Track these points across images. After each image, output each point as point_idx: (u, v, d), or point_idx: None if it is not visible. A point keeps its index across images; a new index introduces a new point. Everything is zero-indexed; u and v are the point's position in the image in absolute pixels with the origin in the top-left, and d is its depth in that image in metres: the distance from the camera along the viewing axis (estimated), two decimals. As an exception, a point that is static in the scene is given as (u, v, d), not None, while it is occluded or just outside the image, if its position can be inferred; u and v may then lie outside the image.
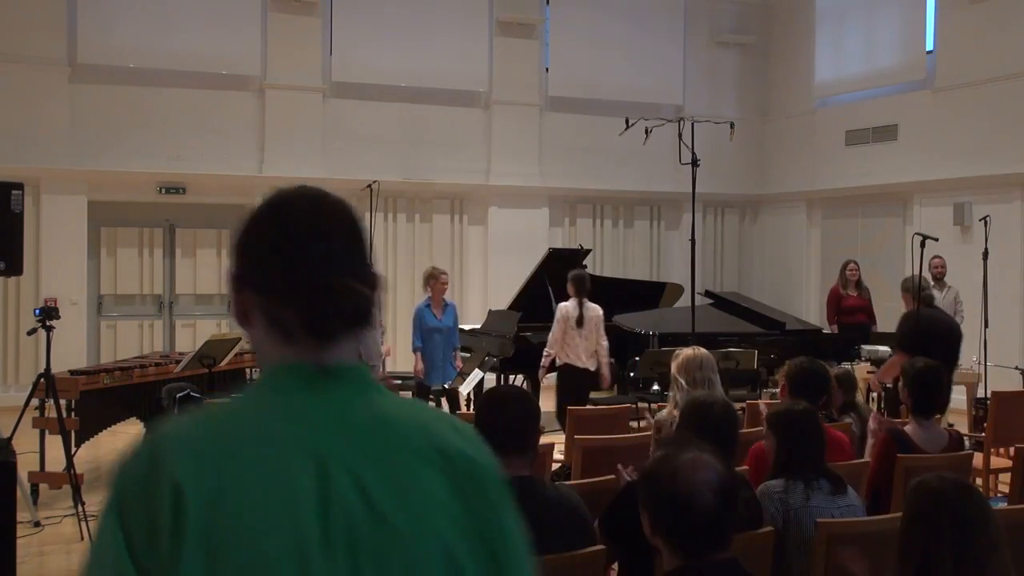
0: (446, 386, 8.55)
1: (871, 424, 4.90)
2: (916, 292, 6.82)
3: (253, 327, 1.32)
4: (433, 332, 8.51)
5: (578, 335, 8.27)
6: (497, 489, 1.31)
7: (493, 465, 1.33)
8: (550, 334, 8.44)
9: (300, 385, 1.26)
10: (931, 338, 6.18)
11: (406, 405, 1.34)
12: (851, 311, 10.47)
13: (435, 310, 8.55)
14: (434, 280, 8.56)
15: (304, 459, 1.20)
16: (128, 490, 1.20)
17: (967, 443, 7.46)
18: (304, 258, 1.28)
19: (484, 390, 8.75)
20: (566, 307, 8.32)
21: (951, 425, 6.37)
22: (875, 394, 8.07)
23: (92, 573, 1.19)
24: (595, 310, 8.34)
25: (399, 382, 8.93)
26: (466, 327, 9.88)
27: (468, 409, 8.41)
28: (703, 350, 4.76)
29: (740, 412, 6.24)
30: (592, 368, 8.30)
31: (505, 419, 2.77)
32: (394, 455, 1.24)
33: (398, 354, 12.25)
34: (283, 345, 1.28)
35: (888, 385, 6.88)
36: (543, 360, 8.47)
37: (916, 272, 7.31)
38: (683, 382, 4.59)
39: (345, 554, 1.18)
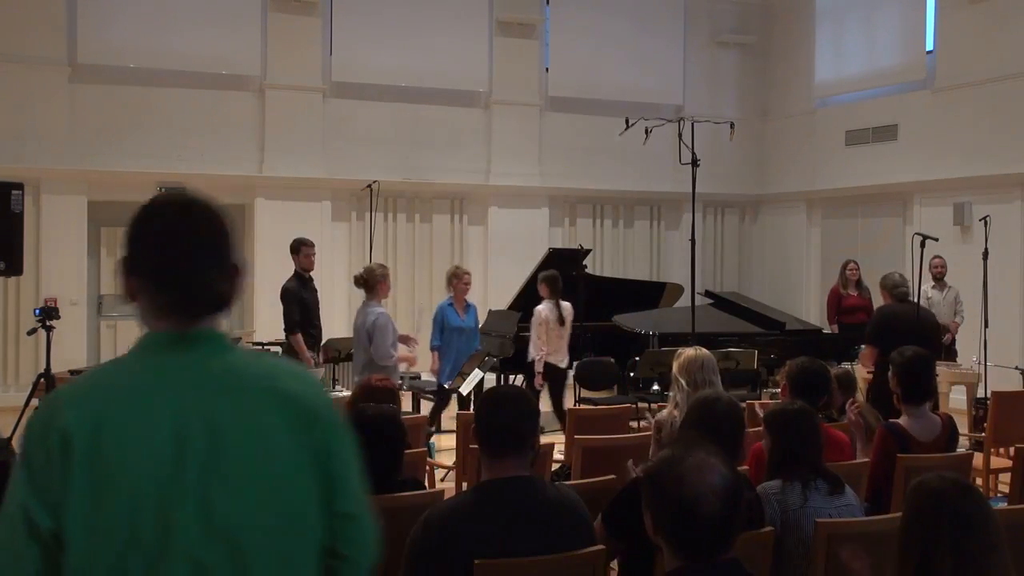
0: (446, 386, 8.54)
1: (849, 415, 4.90)
2: (891, 288, 7.05)
3: (138, 304, 1.67)
4: (455, 332, 8.49)
5: (560, 335, 8.34)
6: (327, 421, 1.69)
7: (325, 403, 1.71)
8: (531, 342, 8.48)
9: (165, 348, 1.63)
10: (892, 331, 6.40)
11: (255, 359, 1.72)
12: (851, 311, 10.47)
13: (458, 309, 8.56)
14: (457, 280, 8.55)
15: (165, 403, 1.57)
16: (31, 439, 1.55)
17: (967, 443, 7.49)
18: (172, 254, 1.66)
19: (484, 390, 8.81)
20: (543, 310, 8.39)
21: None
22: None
23: (6, 508, 1.52)
24: (569, 308, 8.59)
25: (400, 382, 8.92)
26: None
27: (470, 409, 8.41)
28: (705, 351, 4.75)
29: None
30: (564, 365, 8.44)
31: (504, 419, 2.76)
32: (240, 397, 1.60)
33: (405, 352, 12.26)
34: (158, 320, 1.66)
35: (868, 372, 6.98)
36: (538, 366, 8.48)
37: (916, 272, 7.33)
38: (683, 382, 4.58)
39: (195, 478, 1.54)
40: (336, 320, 10.93)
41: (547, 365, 8.47)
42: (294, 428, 1.63)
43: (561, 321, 8.48)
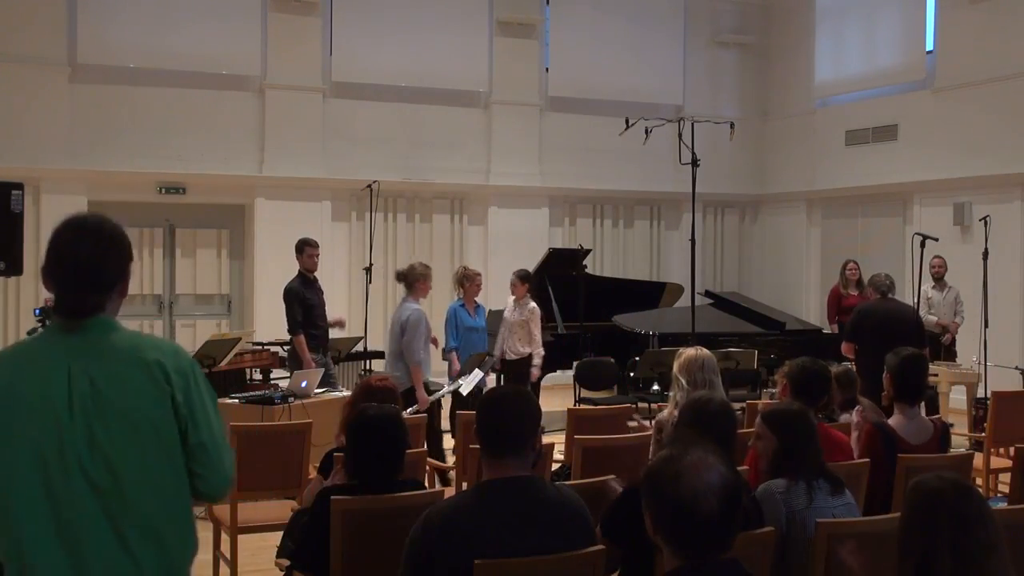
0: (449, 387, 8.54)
1: (854, 417, 4.90)
2: (876, 285, 7.26)
3: (50, 302, 2.36)
4: (470, 332, 8.44)
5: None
6: (179, 376, 2.29)
7: (177, 365, 2.30)
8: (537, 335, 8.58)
9: (61, 331, 2.30)
10: (865, 328, 6.73)
11: (128, 337, 2.36)
12: (851, 310, 10.46)
13: (469, 310, 8.56)
14: (469, 282, 8.52)
15: (58, 367, 2.22)
16: None
17: (967, 443, 7.49)
18: (61, 270, 2.30)
19: (484, 391, 8.81)
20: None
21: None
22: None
23: None
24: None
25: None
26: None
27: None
28: (705, 351, 4.75)
29: (740, 412, 6.26)
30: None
31: (504, 419, 2.76)
32: (114, 363, 2.26)
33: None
34: (57, 314, 2.32)
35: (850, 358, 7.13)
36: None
37: (916, 272, 7.34)
38: (684, 382, 4.58)
39: (81, 417, 2.20)
40: (336, 320, 10.91)
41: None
42: (154, 383, 2.26)
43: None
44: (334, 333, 8.74)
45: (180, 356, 2.36)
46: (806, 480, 3.39)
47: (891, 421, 4.54)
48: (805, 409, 3.69)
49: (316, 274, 8.29)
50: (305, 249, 8.14)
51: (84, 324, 2.29)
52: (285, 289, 8.11)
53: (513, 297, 8.81)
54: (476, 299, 8.64)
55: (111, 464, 2.21)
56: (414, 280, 7.36)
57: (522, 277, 8.81)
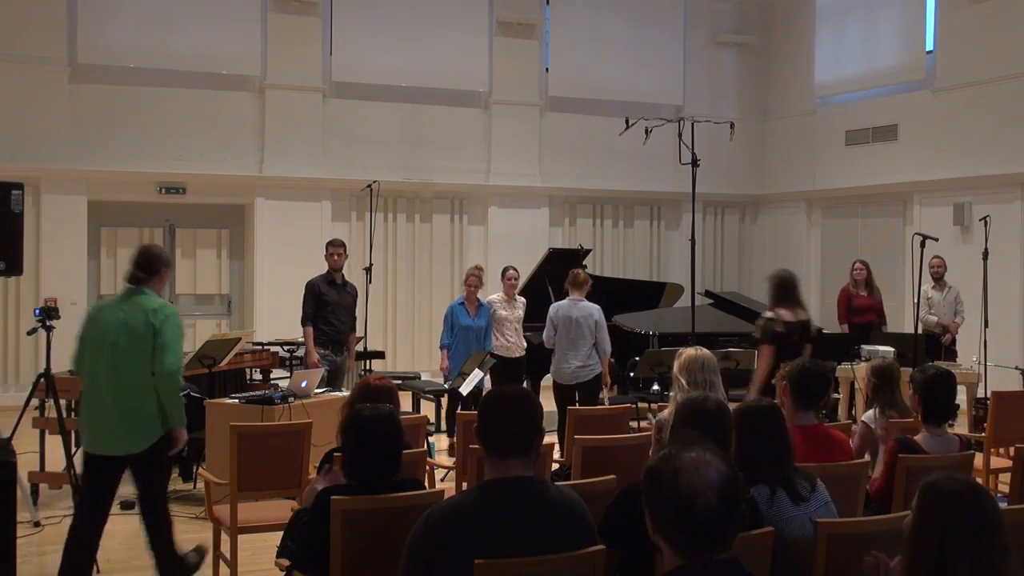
0: (446, 386, 8.55)
1: (878, 431, 4.85)
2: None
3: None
4: (466, 331, 8.58)
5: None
6: (156, 323, 4.66)
7: (158, 317, 4.68)
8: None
9: (124, 293, 4.85)
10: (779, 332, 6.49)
11: (147, 299, 4.75)
12: (861, 311, 10.44)
13: (469, 309, 8.60)
14: (470, 278, 8.69)
15: (115, 308, 4.81)
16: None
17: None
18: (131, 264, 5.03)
19: (483, 391, 8.82)
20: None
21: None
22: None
23: None
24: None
25: (399, 382, 8.92)
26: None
27: (472, 409, 8.40)
28: (705, 351, 4.74)
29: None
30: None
31: (508, 419, 2.75)
32: (134, 309, 4.72)
33: (399, 353, 12.26)
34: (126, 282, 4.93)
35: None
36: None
37: (916, 272, 7.31)
38: (684, 382, 4.58)
39: (117, 329, 4.72)
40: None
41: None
42: (146, 323, 4.66)
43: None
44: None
45: (162, 311, 4.73)
46: (770, 487, 3.29)
47: (917, 437, 4.47)
48: (771, 406, 3.58)
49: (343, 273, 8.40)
50: (328, 248, 8.26)
51: (132, 291, 4.81)
52: (307, 283, 8.22)
53: (502, 295, 8.93)
54: (479, 297, 8.68)
55: (118, 347, 4.69)
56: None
57: (516, 272, 9.03)
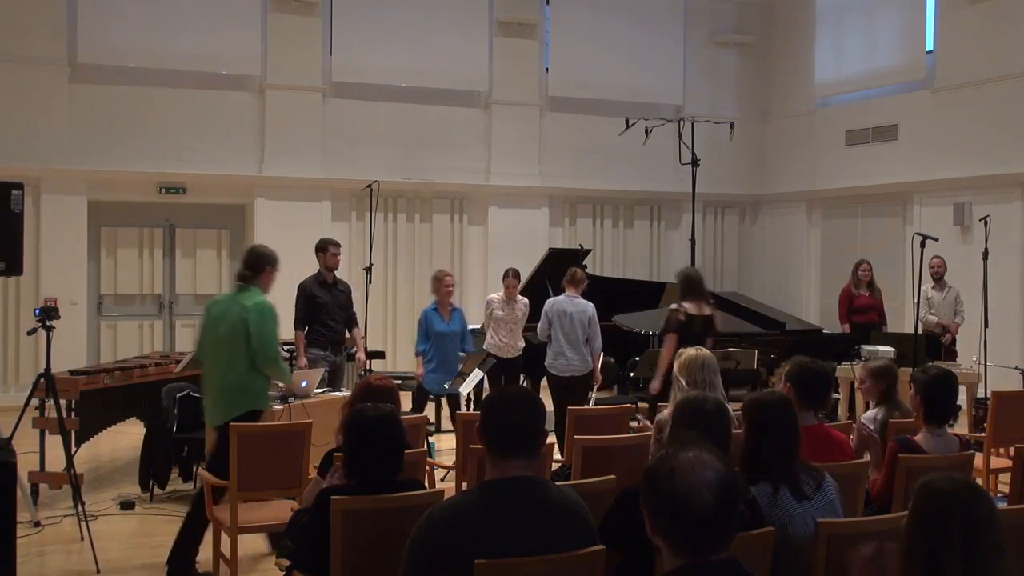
0: (446, 386, 8.53)
1: (870, 426, 4.86)
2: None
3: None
4: (441, 337, 8.47)
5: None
6: (249, 316, 5.32)
7: (250, 311, 5.33)
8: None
9: (233, 290, 5.60)
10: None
11: (248, 295, 5.43)
12: (862, 310, 10.44)
13: (443, 314, 8.53)
14: (438, 283, 8.53)
15: (224, 303, 5.58)
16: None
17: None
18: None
19: (483, 391, 8.82)
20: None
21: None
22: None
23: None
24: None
25: (399, 382, 8.90)
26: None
27: (469, 409, 8.41)
28: (705, 351, 4.75)
29: (740, 412, 6.25)
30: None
31: (514, 421, 2.75)
32: (234, 304, 5.44)
33: (399, 352, 12.26)
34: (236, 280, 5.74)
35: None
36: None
37: (916, 272, 7.31)
38: (684, 383, 4.58)
39: (221, 319, 5.47)
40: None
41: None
42: (241, 319, 5.33)
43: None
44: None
45: (255, 309, 5.34)
46: (773, 484, 3.29)
47: (916, 437, 4.47)
48: (783, 401, 3.57)
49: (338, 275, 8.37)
50: (328, 248, 8.21)
51: (239, 288, 5.49)
52: (298, 285, 8.18)
53: (503, 295, 8.90)
54: (451, 302, 8.60)
55: (219, 338, 5.40)
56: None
57: (517, 275, 8.98)
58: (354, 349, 8.50)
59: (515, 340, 8.91)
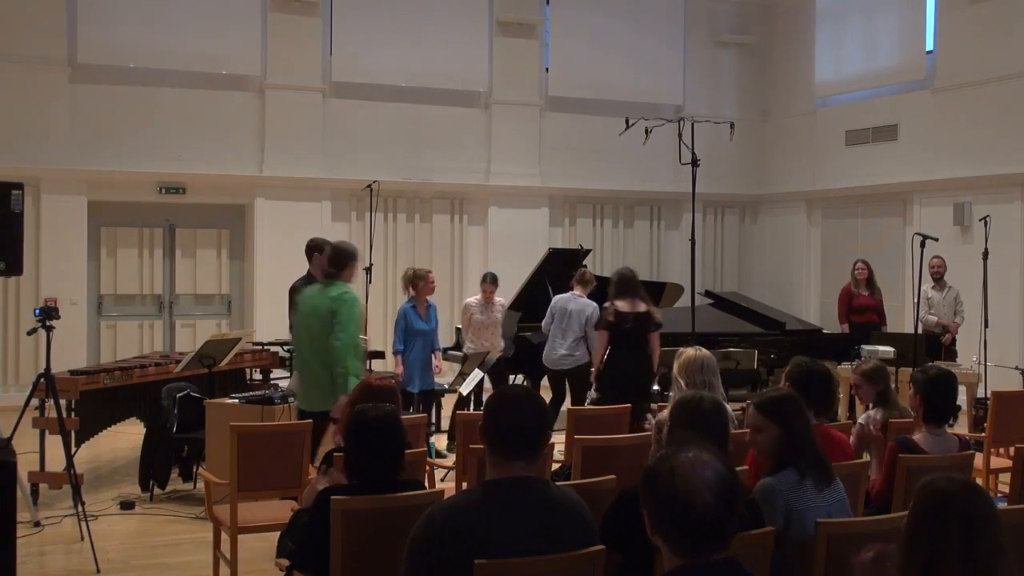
0: (443, 386, 8.52)
1: (870, 427, 4.86)
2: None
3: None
4: (418, 335, 8.32)
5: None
6: (336, 306, 5.75)
7: (338, 302, 5.77)
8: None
9: (319, 287, 6.06)
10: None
11: (335, 287, 5.86)
12: (862, 310, 10.44)
13: (420, 311, 8.41)
14: (423, 281, 8.43)
15: (313, 295, 6.03)
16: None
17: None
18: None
19: (482, 391, 8.80)
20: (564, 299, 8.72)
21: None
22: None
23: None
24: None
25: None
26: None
27: (470, 408, 8.39)
28: (704, 351, 4.74)
29: (740, 412, 6.25)
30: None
31: (518, 423, 2.74)
32: (322, 296, 5.88)
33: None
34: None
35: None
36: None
37: (916, 272, 7.31)
38: (683, 383, 4.57)
39: (310, 313, 5.94)
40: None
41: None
42: (329, 309, 5.75)
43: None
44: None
45: (341, 297, 5.76)
46: (802, 472, 3.37)
47: (915, 437, 4.47)
48: (795, 394, 3.67)
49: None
50: (326, 250, 8.12)
51: (326, 283, 5.93)
52: (290, 289, 8.15)
53: (480, 299, 9.00)
54: (428, 299, 8.51)
55: (312, 329, 5.82)
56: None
57: (495, 280, 9.09)
58: None
59: (495, 340, 9.04)
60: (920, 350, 8.34)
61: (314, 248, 8.25)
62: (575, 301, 8.50)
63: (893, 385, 8.36)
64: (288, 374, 8.71)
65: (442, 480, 6.95)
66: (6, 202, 5.93)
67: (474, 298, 9.13)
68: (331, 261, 5.98)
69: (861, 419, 5.21)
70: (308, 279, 8.17)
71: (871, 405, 5.24)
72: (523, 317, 9.77)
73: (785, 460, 3.42)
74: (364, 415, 3.50)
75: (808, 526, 3.26)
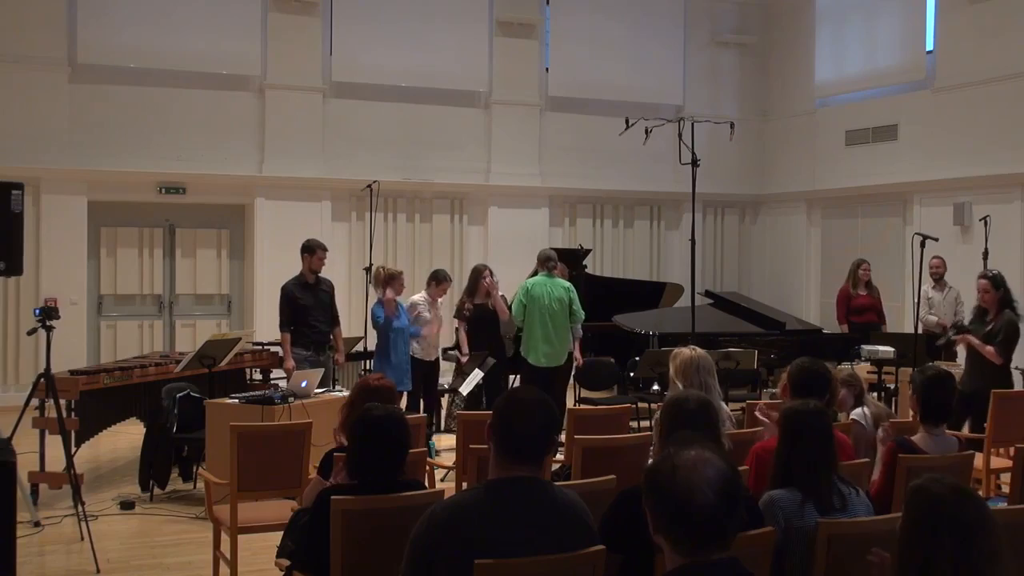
0: (443, 386, 8.54)
1: (879, 433, 4.86)
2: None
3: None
4: (398, 333, 8.44)
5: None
6: (572, 295, 8.68)
7: (566, 288, 8.71)
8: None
9: (543, 278, 8.76)
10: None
11: (557, 280, 8.77)
12: (861, 310, 10.44)
13: (388, 309, 8.47)
14: (396, 281, 8.56)
15: (545, 283, 8.66)
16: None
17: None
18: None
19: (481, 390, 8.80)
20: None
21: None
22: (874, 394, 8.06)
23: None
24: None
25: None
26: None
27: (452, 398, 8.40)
28: (701, 351, 4.72)
29: (740, 413, 6.25)
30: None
31: (528, 429, 2.73)
32: (555, 285, 8.71)
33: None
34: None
35: None
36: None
37: (916, 272, 7.30)
38: (680, 385, 4.56)
39: (546, 297, 8.58)
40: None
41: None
42: (565, 295, 8.63)
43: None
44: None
45: (571, 288, 8.68)
46: (817, 496, 3.29)
47: (914, 438, 4.46)
48: (821, 410, 3.57)
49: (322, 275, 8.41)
50: (317, 252, 8.25)
51: (549, 276, 8.68)
52: (281, 288, 8.24)
53: (427, 296, 8.94)
54: (397, 299, 8.62)
55: (552, 309, 8.50)
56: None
57: (448, 279, 9.10)
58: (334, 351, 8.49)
59: (436, 341, 9.04)
60: (920, 350, 8.33)
61: (303, 250, 8.35)
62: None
63: (893, 385, 8.44)
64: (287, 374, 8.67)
65: (442, 480, 6.96)
66: (6, 202, 5.93)
67: (420, 295, 9.01)
68: (542, 262, 8.74)
69: (854, 415, 5.20)
70: (299, 280, 8.26)
71: (851, 406, 5.26)
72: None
73: (785, 480, 3.36)
74: (370, 415, 3.49)
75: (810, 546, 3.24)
